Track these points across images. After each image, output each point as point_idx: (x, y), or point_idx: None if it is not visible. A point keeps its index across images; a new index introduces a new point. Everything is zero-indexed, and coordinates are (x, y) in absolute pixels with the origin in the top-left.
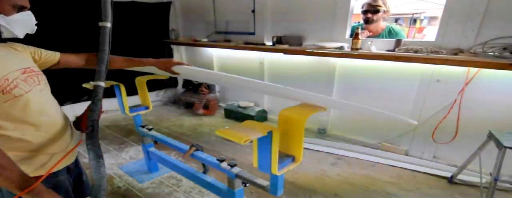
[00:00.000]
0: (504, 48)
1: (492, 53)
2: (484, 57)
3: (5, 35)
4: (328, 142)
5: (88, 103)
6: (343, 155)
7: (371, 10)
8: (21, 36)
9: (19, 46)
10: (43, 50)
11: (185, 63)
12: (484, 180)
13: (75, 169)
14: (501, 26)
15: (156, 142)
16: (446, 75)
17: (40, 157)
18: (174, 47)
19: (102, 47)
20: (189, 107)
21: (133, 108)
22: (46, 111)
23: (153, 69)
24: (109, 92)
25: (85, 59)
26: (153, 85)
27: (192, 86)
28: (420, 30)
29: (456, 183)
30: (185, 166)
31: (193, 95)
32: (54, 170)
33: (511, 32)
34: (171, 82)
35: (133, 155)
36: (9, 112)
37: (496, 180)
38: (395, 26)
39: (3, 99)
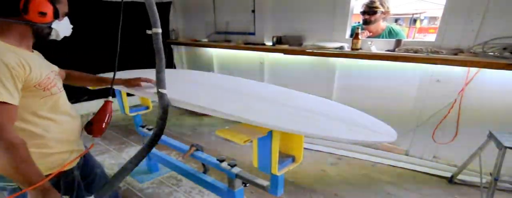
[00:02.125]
0: (504, 48)
1: (492, 53)
2: (484, 57)
3: (52, 37)
4: (328, 142)
5: (88, 102)
6: (343, 155)
7: (368, 11)
8: (61, 38)
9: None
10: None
11: (153, 80)
12: (484, 180)
13: (84, 164)
14: (501, 26)
15: None
16: (446, 75)
17: (57, 155)
18: (174, 47)
19: (159, 55)
20: None
21: (133, 108)
22: (68, 110)
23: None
24: (107, 93)
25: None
26: None
27: None
28: (420, 30)
29: (456, 183)
30: (185, 166)
31: None
32: (67, 168)
33: (511, 32)
34: None
35: (133, 155)
36: (41, 108)
37: (496, 180)
38: (395, 27)
39: (41, 95)
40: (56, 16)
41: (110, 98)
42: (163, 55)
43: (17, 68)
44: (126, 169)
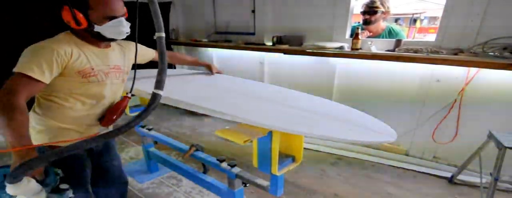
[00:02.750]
0: (504, 48)
1: (492, 53)
2: (484, 57)
3: (109, 37)
4: (328, 142)
5: None
6: (343, 155)
7: (368, 12)
8: (118, 38)
9: (132, 45)
10: (144, 50)
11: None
12: (484, 180)
13: (105, 151)
14: (501, 26)
15: (156, 142)
16: (446, 75)
17: (70, 131)
18: (174, 47)
19: (162, 58)
20: None
21: (133, 108)
22: (99, 97)
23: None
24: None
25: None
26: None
27: None
28: (420, 30)
29: (456, 183)
30: (185, 166)
31: None
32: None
33: (511, 32)
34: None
35: (133, 155)
36: (75, 89)
37: (496, 180)
38: (395, 27)
39: (80, 80)
40: (79, 23)
41: (129, 94)
42: (166, 59)
43: (62, 55)
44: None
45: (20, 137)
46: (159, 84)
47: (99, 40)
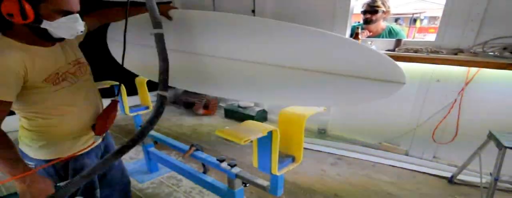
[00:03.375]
0: (504, 48)
1: (492, 53)
2: (484, 57)
3: (56, 36)
4: (328, 142)
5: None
6: (343, 155)
7: (370, 11)
8: (69, 37)
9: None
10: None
11: (178, 8)
12: (484, 180)
13: (104, 155)
14: (501, 26)
15: (156, 142)
16: (446, 75)
17: (67, 142)
18: None
19: (162, 57)
20: (189, 107)
21: (133, 108)
22: (82, 100)
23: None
24: (109, 93)
25: (98, 17)
26: (153, 85)
27: None
28: (420, 30)
29: (456, 183)
30: (185, 166)
31: (193, 95)
32: (76, 151)
33: (511, 32)
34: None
35: (133, 155)
36: (54, 101)
37: (496, 180)
38: (396, 26)
39: (53, 89)
40: (24, 17)
41: (118, 98)
42: (167, 56)
43: (16, 68)
44: (82, 177)
45: (16, 163)
46: (163, 85)
47: (43, 40)
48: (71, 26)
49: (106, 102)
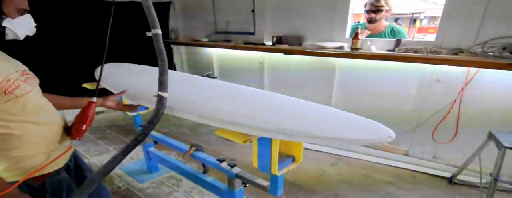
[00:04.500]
0: (504, 48)
1: (492, 53)
2: (484, 57)
3: (9, 37)
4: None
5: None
6: (343, 155)
7: (374, 10)
8: (22, 37)
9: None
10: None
11: (125, 91)
12: (484, 180)
13: (76, 166)
14: (501, 26)
15: (156, 142)
16: (446, 75)
17: (38, 157)
18: (174, 47)
19: (160, 56)
20: None
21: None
22: (43, 110)
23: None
24: (109, 93)
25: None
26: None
27: None
28: (420, 30)
29: (456, 183)
30: (185, 166)
31: None
32: (48, 171)
33: (511, 32)
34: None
35: (133, 155)
36: (9, 111)
37: (496, 180)
38: (397, 26)
39: (4, 99)
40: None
41: (94, 99)
42: (165, 56)
43: None
44: (96, 178)
45: None
46: (162, 85)
47: None
48: (28, 25)
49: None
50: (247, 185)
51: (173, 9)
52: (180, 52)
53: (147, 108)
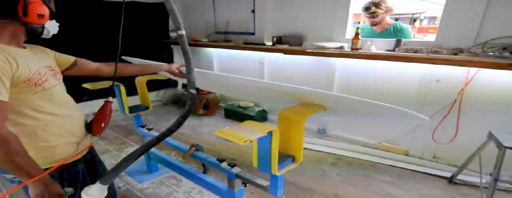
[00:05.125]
0: (504, 48)
1: (492, 53)
2: (484, 57)
3: (43, 35)
4: (328, 142)
5: (89, 102)
6: (343, 155)
7: (370, 16)
8: (49, 36)
9: (43, 48)
10: (61, 53)
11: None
12: (484, 180)
13: (92, 160)
14: (501, 26)
15: None
16: (446, 75)
17: (60, 147)
18: (174, 47)
19: (186, 57)
20: None
21: (133, 108)
22: (66, 104)
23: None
24: (109, 93)
25: (97, 66)
26: (153, 85)
27: None
28: (420, 30)
29: (456, 183)
30: (185, 166)
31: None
32: (70, 161)
33: (511, 32)
34: (171, 83)
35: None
36: (37, 103)
37: (496, 180)
38: (403, 24)
39: (34, 90)
40: (52, 17)
41: (110, 98)
42: (190, 56)
43: (3, 65)
44: (130, 158)
45: (31, 167)
46: (191, 84)
47: (32, 38)
48: (55, 25)
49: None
50: (247, 185)
51: None
52: (180, 53)
53: (147, 108)
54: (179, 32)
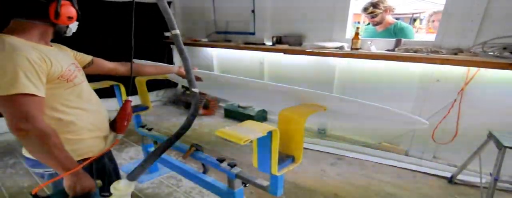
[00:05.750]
0: (504, 48)
1: (492, 53)
2: (484, 57)
3: (67, 34)
4: (328, 142)
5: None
6: (343, 155)
7: (370, 17)
8: (70, 34)
9: (65, 47)
10: (79, 52)
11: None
12: (484, 180)
13: (109, 156)
14: (501, 26)
15: (156, 142)
16: (446, 75)
17: (88, 141)
18: (174, 47)
19: (184, 56)
20: (189, 107)
21: (133, 108)
22: (92, 99)
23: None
24: (109, 93)
25: (114, 66)
26: (153, 85)
27: None
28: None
29: (456, 183)
30: (185, 166)
31: None
32: (97, 155)
33: (511, 32)
34: (171, 83)
35: (133, 155)
36: (68, 98)
37: (496, 180)
38: (404, 24)
39: (65, 86)
40: (78, 18)
41: (129, 98)
42: (187, 55)
43: (39, 62)
44: (153, 155)
45: (67, 159)
46: (191, 83)
47: (56, 37)
48: (75, 25)
49: (105, 102)
50: (247, 185)
51: (173, 9)
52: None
53: (147, 108)
54: (173, 32)
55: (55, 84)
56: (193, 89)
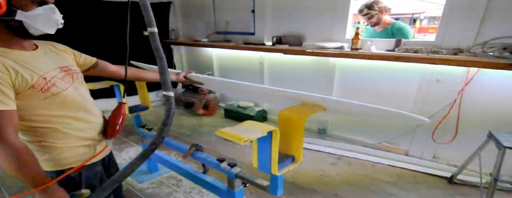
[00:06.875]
0: (504, 48)
1: (492, 53)
2: (484, 57)
3: (32, 31)
4: (328, 142)
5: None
6: (343, 155)
7: (366, 18)
8: (50, 31)
9: (61, 46)
10: (83, 54)
11: (193, 72)
12: (484, 180)
13: (109, 162)
14: (501, 26)
15: None
16: (446, 75)
17: (78, 149)
18: (174, 47)
19: (159, 54)
20: (189, 107)
21: (133, 108)
22: (83, 106)
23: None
24: (109, 93)
25: (116, 69)
26: (153, 85)
27: (192, 86)
28: (420, 30)
29: (456, 183)
30: (185, 166)
31: (193, 96)
32: (88, 163)
33: (511, 32)
34: (171, 83)
35: (133, 155)
36: (48, 107)
37: (496, 180)
38: (402, 24)
39: (42, 96)
40: (8, 6)
41: (123, 99)
42: (163, 55)
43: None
44: (111, 184)
45: (37, 176)
46: (166, 85)
47: (20, 37)
48: (49, 18)
49: (106, 102)
50: (247, 185)
51: (173, 9)
52: (180, 53)
53: (147, 108)
54: (150, 29)
55: (28, 95)
56: (165, 92)
